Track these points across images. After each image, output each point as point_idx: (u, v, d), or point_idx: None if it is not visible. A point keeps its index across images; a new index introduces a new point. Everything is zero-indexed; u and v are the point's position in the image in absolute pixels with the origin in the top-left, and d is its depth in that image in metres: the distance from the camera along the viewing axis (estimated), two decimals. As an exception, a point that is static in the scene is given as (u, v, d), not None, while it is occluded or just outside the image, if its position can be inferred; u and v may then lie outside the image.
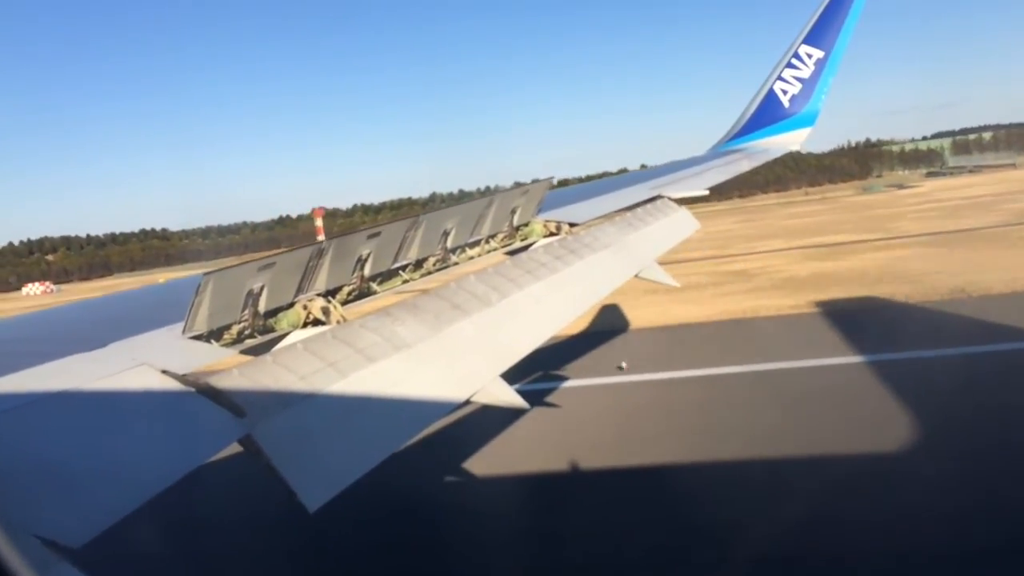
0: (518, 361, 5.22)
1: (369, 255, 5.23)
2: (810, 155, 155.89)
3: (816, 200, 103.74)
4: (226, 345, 4.27)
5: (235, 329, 4.31)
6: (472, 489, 13.52)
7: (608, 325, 24.25)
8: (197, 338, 4.10)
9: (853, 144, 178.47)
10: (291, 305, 4.70)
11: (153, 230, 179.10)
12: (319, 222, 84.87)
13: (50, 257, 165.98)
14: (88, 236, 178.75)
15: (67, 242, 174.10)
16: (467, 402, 4.77)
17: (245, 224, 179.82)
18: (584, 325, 23.74)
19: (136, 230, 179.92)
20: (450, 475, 13.94)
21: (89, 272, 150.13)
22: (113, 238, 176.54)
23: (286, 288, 4.60)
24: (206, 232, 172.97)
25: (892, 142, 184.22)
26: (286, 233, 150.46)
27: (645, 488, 12.38)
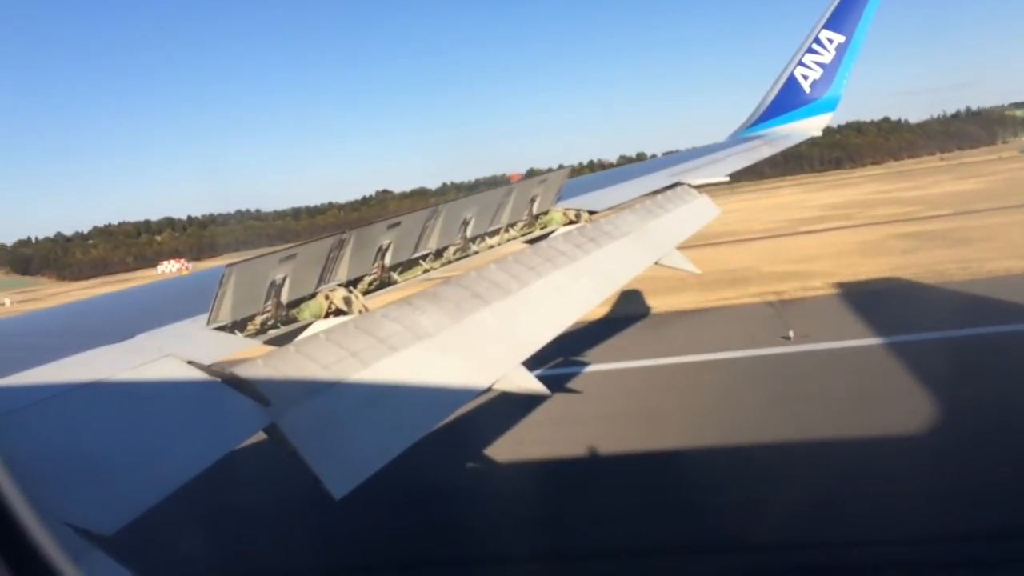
0: (539, 349, 5.24)
1: (390, 245, 5.25)
2: (932, 120, 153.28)
3: (995, 161, 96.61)
4: (250, 336, 4.30)
5: (258, 320, 4.35)
6: (494, 475, 13.59)
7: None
8: (221, 329, 4.14)
9: (949, 114, 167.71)
10: (313, 295, 4.73)
11: (248, 211, 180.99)
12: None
13: (158, 238, 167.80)
14: (189, 217, 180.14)
15: (170, 223, 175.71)
16: (488, 389, 4.79)
17: (331, 205, 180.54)
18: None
19: (232, 211, 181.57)
20: (473, 461, 14.03)
21: (199, 252, 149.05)
22: (212, 219, 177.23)
23: (308, 279, 4.63)
24: (296, 213, 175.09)
25: (1010, 107, 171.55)
26: (374, 212, 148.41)
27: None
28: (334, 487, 3.49)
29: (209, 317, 4.09)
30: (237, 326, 4.24)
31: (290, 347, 4.12)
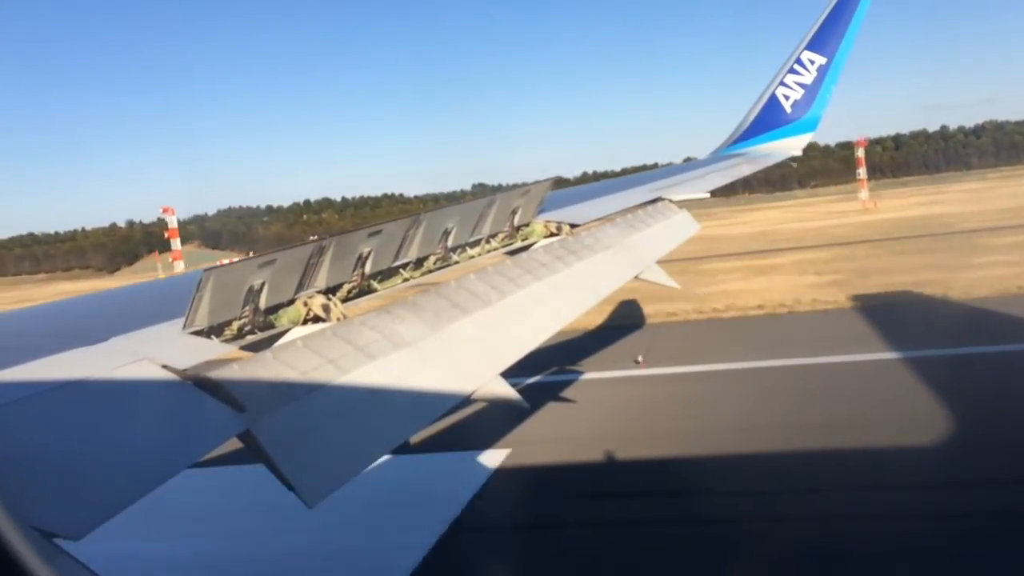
0: (517, 360, 5.24)
1: (370, 253, 5.23)
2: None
3: None
4: (226, 341, 4.27)
5: (236, 325, 4.32)
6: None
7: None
8: (198, 333, 4.11)
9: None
10: (292, 302, 4.71)
11: (393, 195, 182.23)
12: (861, 152, 77.46)
13: (323, 216, 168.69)
14: (343, 199, 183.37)
15: (328, 204, 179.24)
16: (467, 400, 4.79)
17: (486, 187, 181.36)
18: None
19: (379, 194, 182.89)
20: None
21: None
22: (363, 201, 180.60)
23: (287, 285, 4.61)
24: (436, 199, 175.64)
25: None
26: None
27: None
28: (307, 495, 3.47)
29: (185, 321, 4.05)
30: (214, 331, 4.21)
31: (267, 353, 4.09)
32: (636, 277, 8.04)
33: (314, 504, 3.47)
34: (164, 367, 3.62)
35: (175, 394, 3.53)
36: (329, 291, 4.97)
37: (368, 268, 5.31)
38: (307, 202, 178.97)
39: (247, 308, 4.34)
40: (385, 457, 3.91)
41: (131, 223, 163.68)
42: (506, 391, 4.93)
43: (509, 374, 5.05)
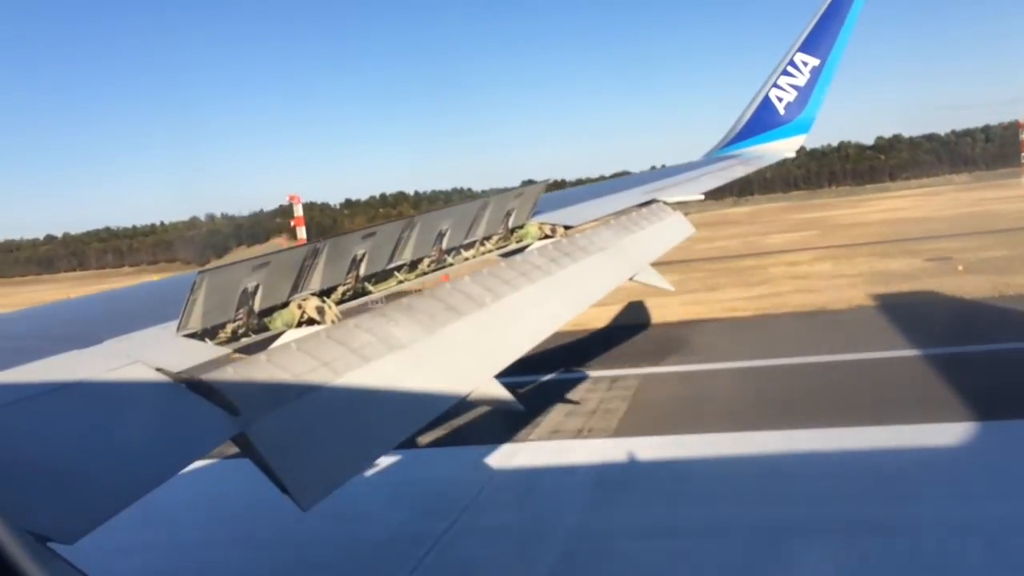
0: (511, 362, 5.25)
1: (364, 255, 5.24)
2: None
3: None
4: (220, 344, 4.26)
5: (229, 328, 4.32)
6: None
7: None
8: (191, 336, 4.11)
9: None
10: (286, 304, 4.71)
11: (462, 189, 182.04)
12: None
13: (400, 208, 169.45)
14: (417, 193, 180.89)
15: (403, 197, 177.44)
16: (460, 401, 4.80)
17: (535, 183, 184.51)
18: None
19: (449, 188, 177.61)
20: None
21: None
22: (436, 195, 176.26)
23: (281, 287, 4.61)
24: (500, 192, 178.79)
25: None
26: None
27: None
28: (302, 499, 3.47)
29: (179, 324, 4.05)
30: (207, 334, 4.21)
31: (261, 356, 4.09)
32: (631, 279, 8.07)
33: (309, 507, 3.47)
34: (158, 370, 3.62)
35: (169, 397, 3.53)
36: (323, 293, 4.98)
37: (363, 270, 5.32)
38: (383, 196, 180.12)
39: (241, 310, 4.34)
40: (387, 457, 3.93)
41: (211, 216, 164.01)
42: (500, 393, 4.95)
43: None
